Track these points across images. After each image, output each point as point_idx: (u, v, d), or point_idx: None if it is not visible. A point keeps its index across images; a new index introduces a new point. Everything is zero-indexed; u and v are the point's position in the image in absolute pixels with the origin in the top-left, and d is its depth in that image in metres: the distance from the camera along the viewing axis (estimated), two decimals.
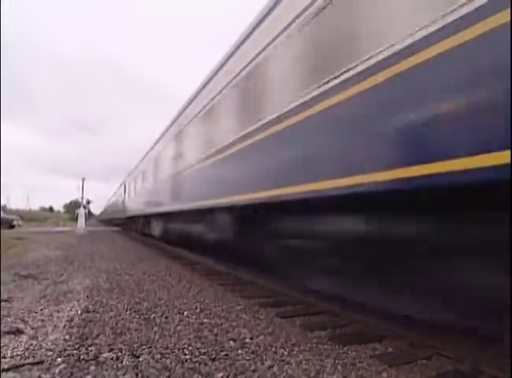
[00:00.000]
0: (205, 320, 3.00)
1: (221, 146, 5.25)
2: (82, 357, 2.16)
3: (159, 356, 2.21)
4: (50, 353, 2.22)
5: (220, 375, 1.97)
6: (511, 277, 1.87)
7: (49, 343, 2.38)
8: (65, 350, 2.27)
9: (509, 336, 1.87)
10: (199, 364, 2.10)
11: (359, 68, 2.58)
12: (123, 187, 21.62)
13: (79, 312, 3.18)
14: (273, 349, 2.37)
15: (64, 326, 2.76)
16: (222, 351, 2.30)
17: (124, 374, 1.95)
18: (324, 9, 3.06)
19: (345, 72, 2.72)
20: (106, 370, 1.99)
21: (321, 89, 3.00)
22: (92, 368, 2.01)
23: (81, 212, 21.40)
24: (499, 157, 1.70)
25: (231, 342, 2.48)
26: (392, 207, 2.62)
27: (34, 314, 3.08)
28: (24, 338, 2.49)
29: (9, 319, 2.90)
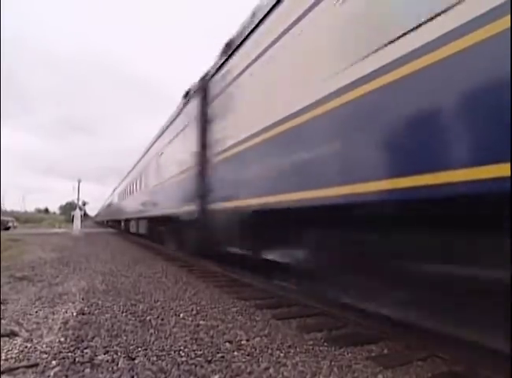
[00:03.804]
0: (201, 322, 2.99)
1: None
2: (77, 359, 2.15)
3: (155, 358, 2.20)
4: (45, 355, 2.20)
5: (217, 377, 1.97)
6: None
7: (44, 346, 2.37)
8: (60, 352, 2.25)
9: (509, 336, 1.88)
10: (195, 366, 2.10)
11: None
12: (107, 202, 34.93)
13: (74, 314, 3.16)
14: (269, 351, 2.37)
15: (60, 328, 2.75)
16: (218, 353, 2.30)
17: (120, 376, 1.94)
18: None
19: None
20: (102, 373, 1.98)
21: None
22: (87, 370, 2.01)
23: (77, 213, 21.31)
24: None
25: (228, 344, 2.47)
26: None
27: (29, 316, 3.06)
28: (19, 340, 2.47)
29: (3, 321, 2.88)
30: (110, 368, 2.04)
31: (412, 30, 2.15)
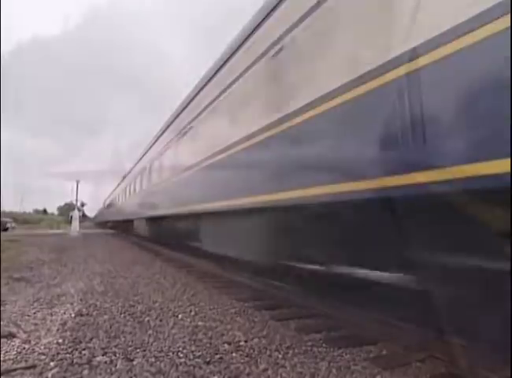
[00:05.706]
0: (199, 323, 2.99)
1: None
2: (75, 361, 2.14)
3: (153, 359, 2.20)
4: (43, 357, 2.20)
5: None
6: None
7: (42, 347, 2.36)
8: (58, 353, 2.25)
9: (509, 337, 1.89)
10: (194, 367, 2.10)
11: None
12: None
13: (72, 315, 3.15)
14: (268, 352, 2.37)
15: (58, 329, 2.74)
16: (217, 354, 2.30)
17: None
18: None
19: None
20: (100, 374, 1.98)
21: None
22: (85, 372, 2.00)
23: (75, 214, 21.31)
24: None
25: (226, 345, 2.47)
26: None
27: (27, 318, 3.05)
28: (17, 342, 2.46)
29: (1, 322, 2.87)
30: (108, 370, 2.03)
31: None
